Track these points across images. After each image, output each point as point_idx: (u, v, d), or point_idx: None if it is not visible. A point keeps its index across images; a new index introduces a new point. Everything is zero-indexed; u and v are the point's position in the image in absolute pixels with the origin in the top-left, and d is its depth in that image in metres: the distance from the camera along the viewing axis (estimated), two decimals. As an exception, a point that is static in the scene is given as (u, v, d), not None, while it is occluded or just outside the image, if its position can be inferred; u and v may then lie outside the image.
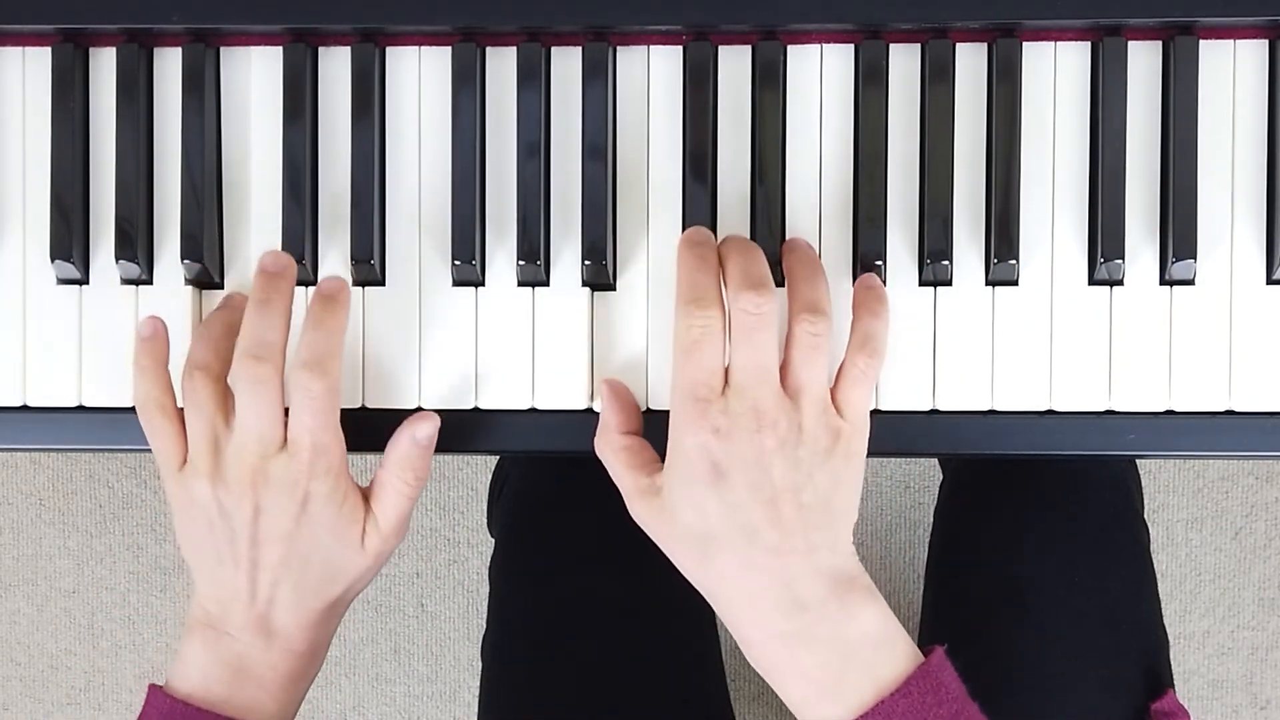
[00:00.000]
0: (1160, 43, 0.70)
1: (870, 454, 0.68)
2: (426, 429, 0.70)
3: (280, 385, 0.66)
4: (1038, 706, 0.83)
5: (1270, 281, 0.70)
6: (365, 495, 0.70)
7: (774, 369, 0.64)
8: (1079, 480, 0.89)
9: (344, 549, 0.69)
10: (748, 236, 0.71)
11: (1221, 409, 0.70)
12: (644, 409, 0.71)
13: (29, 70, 0.73)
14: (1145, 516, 0.94)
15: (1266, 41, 0.70)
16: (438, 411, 0.71)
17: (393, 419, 0.71)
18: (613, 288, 0.72)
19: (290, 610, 0.68)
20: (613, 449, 0.68)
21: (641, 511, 0.67)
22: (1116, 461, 0.93)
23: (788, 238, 0.70)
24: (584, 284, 0.72)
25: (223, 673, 0.69)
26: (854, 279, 0.71)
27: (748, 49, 0.71)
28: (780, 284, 0.69)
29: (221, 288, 0.73)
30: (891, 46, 0.71)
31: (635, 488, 0.67)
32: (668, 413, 0.66)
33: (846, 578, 0.64)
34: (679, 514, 0.64)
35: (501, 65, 0.72)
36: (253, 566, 0.67)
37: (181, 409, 0.68)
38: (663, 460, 0.67)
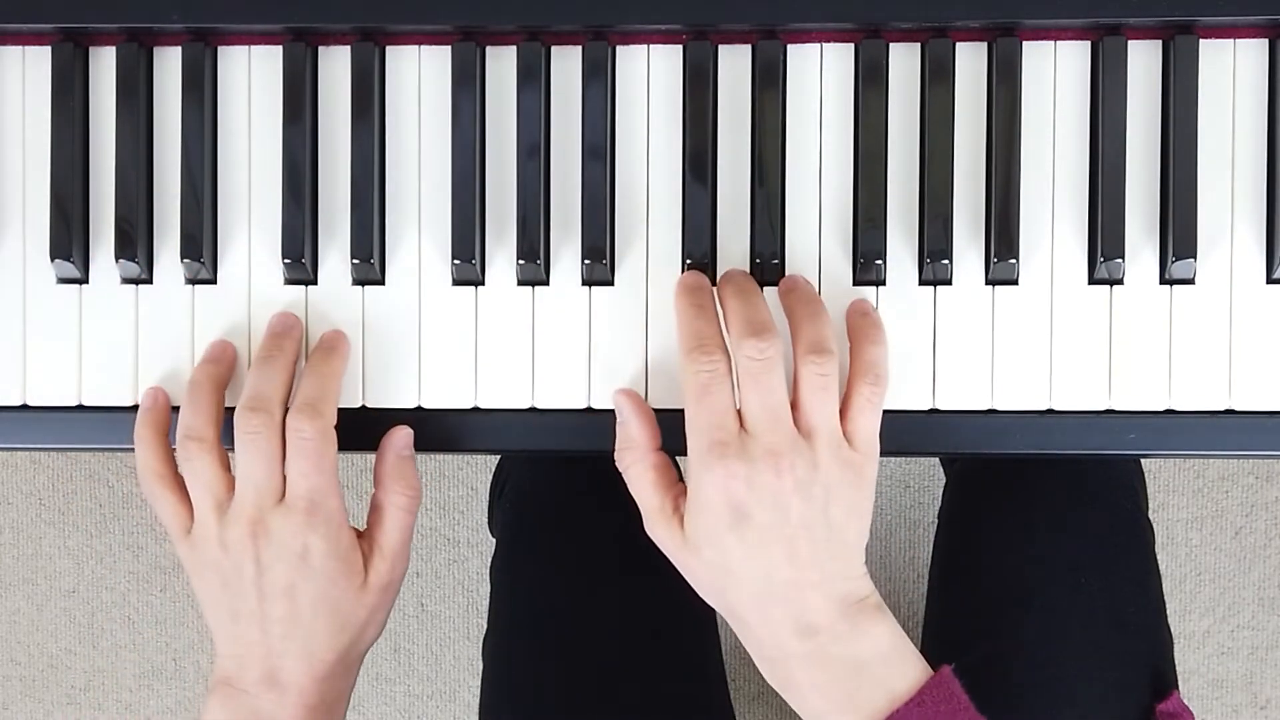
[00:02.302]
0: (1160, 42, 0.70)
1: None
2: (402, 437, 0.71)
3: (278, 437, 0.68)
4: (1043, 708, 0.83)
5: (1270, 281, 0.70)
6: (362, 535, 0.71)
7: (786, 410, 0.65)
8: (1084, 481, 0.89)
9: (347, 595, 0.70)
10: (747, 236, 0.71)
11: (1221, 408, 0.70)
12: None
13: (29, 70, 0.73)
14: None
15: (1266, 41, 0.70)
16: (437, 411, 0.71)
17: (392, 419, 0.71)
18: (611, 284, 0.72)
19: (302, 662, 0.69)
20: (642, 469, 0.68)
21: (662, 535, 0.67)
22: (1121, 461, 0.93)
23: (787, 274, 0.70)
24: (584, 283, 0.72)
25: None
26: (854, 278, 0.71)
27: (748, 48, 0.71)
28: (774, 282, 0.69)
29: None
30: (891, 46, 0.71)
31: (660, 510, 0.67)
32: (669, 411, 0.67)
33: (858, 600, 0.66)
34: (699, 549, 0.66)
35: (501, 65, 0.72)
36: (264, 619, 0.69)
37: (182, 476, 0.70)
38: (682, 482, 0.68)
